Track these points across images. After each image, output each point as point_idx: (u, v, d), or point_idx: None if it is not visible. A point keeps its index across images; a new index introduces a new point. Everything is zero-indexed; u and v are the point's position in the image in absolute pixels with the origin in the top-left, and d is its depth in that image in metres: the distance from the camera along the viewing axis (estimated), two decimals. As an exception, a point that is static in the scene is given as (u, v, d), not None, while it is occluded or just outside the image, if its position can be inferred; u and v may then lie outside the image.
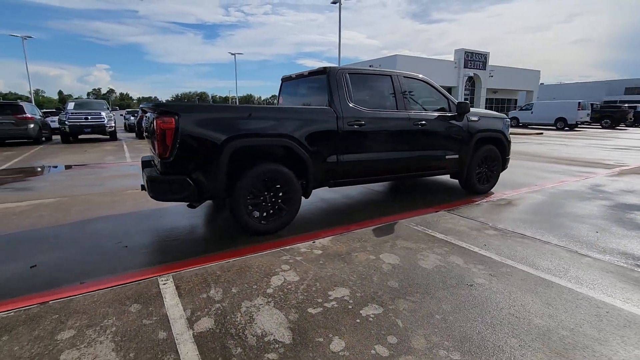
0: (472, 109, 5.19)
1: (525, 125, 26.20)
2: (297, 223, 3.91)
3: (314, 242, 3.40)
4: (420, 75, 4.69)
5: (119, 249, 3.28)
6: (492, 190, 5.42)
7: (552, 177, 6.69)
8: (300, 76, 4.56)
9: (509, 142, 5.40)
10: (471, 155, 4.93)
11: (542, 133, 19.74)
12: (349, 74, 4.03)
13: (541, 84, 42.49)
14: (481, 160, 5.11)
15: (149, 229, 3.83)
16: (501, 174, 5.48)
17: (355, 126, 3.92)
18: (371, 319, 2.14)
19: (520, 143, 13.73)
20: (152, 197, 3.19)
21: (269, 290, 2.49)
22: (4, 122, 12.31)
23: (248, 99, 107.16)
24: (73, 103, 14.97)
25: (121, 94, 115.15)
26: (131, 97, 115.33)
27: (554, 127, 24.06)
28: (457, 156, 4.80)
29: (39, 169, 7.97)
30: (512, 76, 38.05)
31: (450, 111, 4.76)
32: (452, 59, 33.46)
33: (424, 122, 4.42)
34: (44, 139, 14.53)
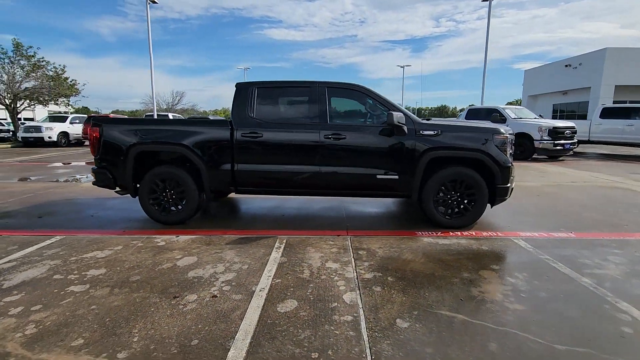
0: (436, 121, 4.21)
1: None
2: (213, 221, 4.47)
3: (178, 237, 3.90)
4: (358, 85, 4.21)
5: (87, 217, 4.77)
6: (480, 225, 4.12)
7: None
8: None
9: (503, 165, 3.95)
10: (421, 178, 4.00)
11: None
12: (258, 88, 4.22)
13: None
14: (444, 185, 4.03)
15: (130, 208, 5.20)
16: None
17: (250, 138, 4.08)
18: (63, 293, 2.63)
19: None
20: (93, 183, 4.50)
21: (72, 259, 3.28)
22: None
23: (442, 110, 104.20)
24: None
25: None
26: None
27: None
28: (396, 177, 4.03)
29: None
30: None
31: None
32: None
33: (341, 135, 4.01)
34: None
